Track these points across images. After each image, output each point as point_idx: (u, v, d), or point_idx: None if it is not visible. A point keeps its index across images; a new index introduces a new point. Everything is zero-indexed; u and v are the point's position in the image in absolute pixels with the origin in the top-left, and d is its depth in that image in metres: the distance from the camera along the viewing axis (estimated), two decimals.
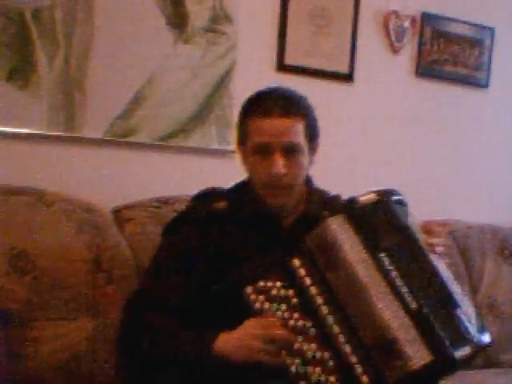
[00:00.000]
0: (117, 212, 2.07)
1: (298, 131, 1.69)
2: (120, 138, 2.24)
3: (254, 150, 1.70)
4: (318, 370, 1.53)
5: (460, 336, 1.54)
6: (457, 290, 1.63)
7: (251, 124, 1.70)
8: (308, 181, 1.85)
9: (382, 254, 1.57)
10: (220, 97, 2.40)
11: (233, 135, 2.42)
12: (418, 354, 1.48)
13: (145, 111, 2.26)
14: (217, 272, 1.69)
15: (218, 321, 1.63)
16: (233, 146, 2.42)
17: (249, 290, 1.60)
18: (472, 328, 1.57)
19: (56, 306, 1.82)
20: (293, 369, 1.54)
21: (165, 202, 2.12)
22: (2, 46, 2.02)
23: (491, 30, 3.04)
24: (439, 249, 1.65)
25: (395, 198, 1.68)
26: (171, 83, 2.31)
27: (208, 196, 1.81)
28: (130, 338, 1.72)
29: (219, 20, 2.37)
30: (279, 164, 1.66)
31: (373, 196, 1.64)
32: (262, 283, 1.60)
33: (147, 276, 1.78)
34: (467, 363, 1.65)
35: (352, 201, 1.64)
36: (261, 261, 1.66)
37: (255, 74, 2.46)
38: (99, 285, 1.89)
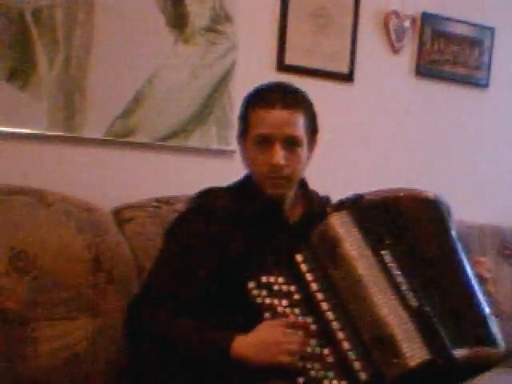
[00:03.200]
0: (117, 212, 2.07)
1: (298, 124, 1.71)
2: (120, 137, 2.23)
3: (255, 141, 1.72)
4: (316, 365, 1.54)
5: (466, 336, 1.55)
6: (481, 297, 1.65)
7: (253, 116, 1.72)
8: (304, 184, 1.87)
9: (385, 252, 1.57)
10: (220, 97, 2.40)
11: (233, 135, 2.42)
12: (415, 352, 1.49)
13: (145, 111, 2.26)
14: (221, 269, 1.69)
15: (223, 316, 1.64)
16: (233, 146, 2.42)
17: (251, 284, 1.62)
18: (484, 331, 1.59)
19: (56, 306, 1.82)
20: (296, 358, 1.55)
21: (165, 202, 2.12)
22: (2, 46, 2.02)
23: (491, 29, 3.04)
24: (488, 276, 1.72)
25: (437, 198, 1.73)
26: (171, 83, 2.31)
27: (209, 194, 1.81)
28: (139, 337, 1.72)
29: (219, 20, 2.37)
30: (279, 155, 1.68)
31: (396, 192, 1.67)
32: (264, 278, 1.62)
33: (152, 276, 1.77)
34: (496, 366, 1.64)
35: (357, 197, 1.65)
36: (264, 256, 1.67)
37: (255, 74, 2.45)
38: (99, 285, 1.88)
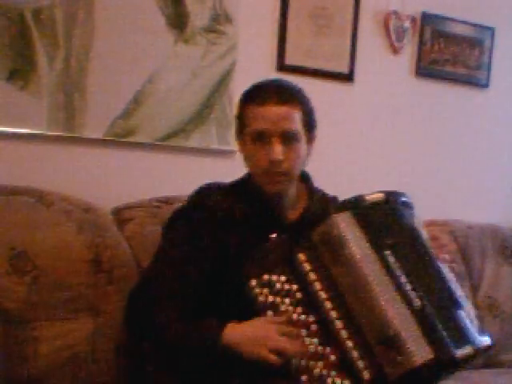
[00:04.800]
0: (117, 212, 2.07)
1: (295, 119, 1.71)
2: (120, 137, 2.23)
3: (252, 137, 1.72)
4: (319, 364, 1.54)
5: (462, 336, 1.55)
6: (460, 292, 1.65)
7: (249, 112, 1.72)
8: (308, 179, 1.86)
9: (387, 252, 1.58)
10: (220, 97, 2.40)
11: (233, 135, 2.43)
12: (419, 351, 1.49)
13: (145, 111, 2.26)
14: (221, 265, 1.70)
15: (222, 312, 1.64)
16: (233, 146, 2.42)
17: (253, 282, 1.62)
18: (473, 329, 1.58)
19: (56, 306, 1.82)
20: (294, 362, 1.55)
21: (165, 201, 2.12)
22: (2, 46, 2.02)
23: (491, 29, 3.04)
24: (446, 256, 1.68)
25: (402, 199, 1.70)
26: (171, 83, 2.31)
27: (209, 190, 1.82)
28: (137, 329, 1.74)
29: (219, 20, 2.37)
30: (277, 150, 1.68)
31: (380, 195, 1.66)
32: (266, 276, 1.62)
33: (152, 267, 1.78)
34: (467, 364, 1.66)
35: (358, 198, 1.65)
36: (264, 254, 1.66)
37: (255, 74, 2.44)
38: (99, 285, 1.88)
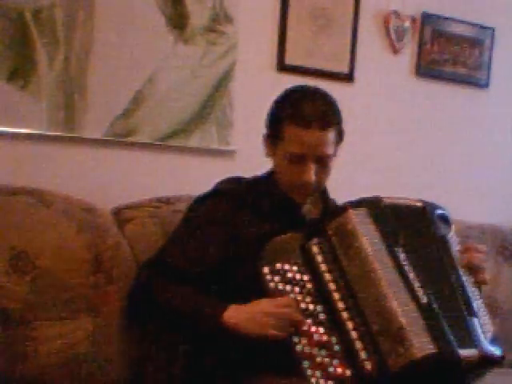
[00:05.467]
0: (117, 212, 2.07)
1: (331, 142, 1.75)
2: (120, 137, 2.24)
3: (288, 157, 1.74)
4: (323, 352, 1.57)
5: (468, 338, 1.58)
6: (478, 301, 1.69)
7: (289, 131, 1.72)
8: (324, 190, 1.91)
9: (398, 249, 1.62)
10: (220, 97, 2.40)
11: (233, 135, 2.43)
12: (422, 344, 1.51)
13: (145, 111, 2.26)
14: (236, 251, 1.73)
15: (232, 296, 1.67)
16: (233, 146, 2.42)
17: (266, 269, 1.65)
18: (483, 337, 1.62)
19: (56, 306, 1.82)
20: (298, 348, 1.57)
21: (165, 201, 2.12)
22: (2, 46, 2.02)
23: (491, 29, 3.04)
24: (483, 265, 1.74)
25: (439, 212, 1.76)
26: (171, 83, 2.31)
27: (234, 180, 1.86)
28: (143, 298, 1.77)
29: (219, 20, 2.37)
30: (311, 173, 1.72)
31: (419, 203, 1.73)
32: (279, 265, 1.65)
33: (167, 244, 1.81)
34: (475, 372, 1.67)
35: (376, 198, 1.69)
36: (281, 244, 1.69)
37: (255, 74, 2.46)
38: (99, 285, 1.88)
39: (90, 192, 2.08)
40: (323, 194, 1.90)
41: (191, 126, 2.35)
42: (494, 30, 3.04)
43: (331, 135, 1.74)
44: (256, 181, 1.87)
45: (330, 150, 1.74)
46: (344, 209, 1.65)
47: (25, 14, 2.04)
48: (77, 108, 2.15)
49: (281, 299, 1.62)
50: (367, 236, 1.62)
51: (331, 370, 1.55)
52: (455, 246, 1.74)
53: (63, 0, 2.10)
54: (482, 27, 3.01)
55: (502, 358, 1.67)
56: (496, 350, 1.64)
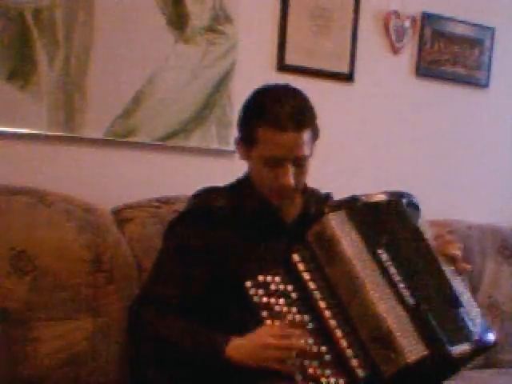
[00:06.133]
0: (117, 212, 2.07)
1: (307, 142, 1.69)
2: (120, 137, 2.23)
3: (264, 161, 1.69)
4: (314, 363, 1.55)
5: (458, 333, 1.56)
6: (463, 291, 1.67)
7: (262, 134, 1.67)
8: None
9: (381, 250, 1.59)
10: (220, 97, 2.40)
11: (233, 135, 2.42)
12: (413, 348, 1.50)
13: (145, 111, 2.26)
14: (219, 268, 1.70)
15: (220, 315, 1.66)
16: (233, 146, 2.42)
17: (248, 284, 1.62)
18: (474, 327, 1.59)
19: (56, 306, 1.82)
20: (289, 361, 1.55)
21: (165, 201, 2.12)
22: (2, 46, 2.02)
23: (491, 29, 3.04)
24: (455, 252, 1.69)
25: (407, 200, 1.71)
26: (171, 83, 2.30)
27: (207, 194, 1.81)
28: (139, 340, 1.74)
29: (219, 20, 2.37)
30: (290, 176, 1.67)
31: (382, 196, 1.68)
32: (261, 277, 1.62)
33: (151, 277, 1.78)
34: (468, 361, 1.66)
35: (353, 198, 1.66)
36: (262, 255, 1.68)
37: (255, 74, 2.45)
38: (99, 285, 1.88)
39: (90, 192, 2.08)
40: (302, 193, 1.85)
41: (191, 126, 2.35)
42: (494, 30, 3.04)
43: (307, 135, 1.68)
44: (232, 188, 1.82)
45: (306, 151, 1.68)
46: (322, 213, 1.62)
47: (25, 14, 2.04)
48: (77, 108, 2.15)
49: (279, 327, 1.58)
50: (348, 240, 1.59)
51: (324, 380, 1.53)
52: (428, 232, 1.70)
53: (63, 0, 2.10)
54: (482, 27, 3.01)
55: (495, 343, 1.66)
56: (487, 337, 1.62)
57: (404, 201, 1.70)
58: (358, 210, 1.63)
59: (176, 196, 2.13)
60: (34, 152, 2.11)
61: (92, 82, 2.16)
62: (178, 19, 2.30)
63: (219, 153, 2.42)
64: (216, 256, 1.71)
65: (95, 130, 2.19)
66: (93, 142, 2.19)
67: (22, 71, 2.06)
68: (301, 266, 1.61)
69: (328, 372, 1.54)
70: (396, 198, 1.69)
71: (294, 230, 1.72)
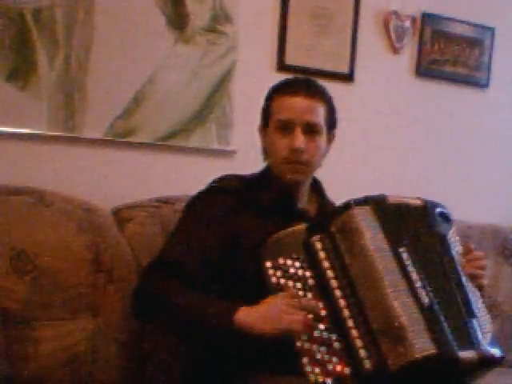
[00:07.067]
0: (117, 212, 2.07)
1: (319, 113, 1.78)
2: (120, 137, 2.23)
3: (277, 126, 1.78)
4: (322, 349, 1.56)
5: (468, 340, 1.58)
6: (480, 305, 1.69)
7: (276, 103, 1.79)
8: (319, 187, 1.92)
9: (402, 249, 1.62)
10: (220, 97, 2.40)
11: (233, 135, 2.43)
12: (421, 345, 1.51)
13: (145, 111, 2.26)
14: (237, 242, 1.73)
15: (235, 292, 1.66)
16: (233, 146, 2.42)
17: (268, 264, 1.65)
18: (484, 339, 1.62)
19: (56, 306, 1.82)
20: (298, 343, 1.56)
21: (165, 201, 2.12)
22: (2, 46, 2.02)
23: (491, 29, 3.04)
24: (477, 272, 1.74)
25: (440, 210, 1.76)
26: (171, 83, 2.31)
27: (227, 178, 1.87)
28: (148, 303, 1.72)
29: (219, 20, 2.37)
30: (300, 139, 1.74)
31: (418, 201, 1.73)
32: (281, 260, 1.65)
33: (168, 242, 1.80)
34: (473, 372, 1.67)
35: (382, 196, 1.69)
36: (282, 239, 1.69)
37: (255, 74, 2.46)
38: (99, 285, 1.89)
39: (90, 192, 2.08)
40: (319, 192, 1.90)
41: (191, 126, 2.35)
42: (494, 30, 3.04)
43: (317, 105, 1.77)
44: (251, 177, 1.87)
45: (316, 119, 1.76)
46: (348, 206, 1.65)
47: (25, 14, 2.04)
48: (77, 108, 2.15)
49: (286, 293, 1.60)
50: (371, 234, 1.61)
51: (330, 367, 1.54)
52: (456, 245, 1.74)
53: (63, 0, 2.10)
54: (482, 27, 3.01)
55: (502, 358, 1.68)
56: (496, 351, 1.64)
57: (437, 210, 1.74)
58: (385, 209, 1.66)
59: (176, 196, 2.13)
60: (34, 152, 2.11)
61: (92, 82, 2.16)
62: (177, 19, 2.30)
63: (219, 153, 2.42)
64: (234, 233, 1.73)
65: (95, 130, 2.19)
66: (93, 142, 2.19)
67: (22, 71, 2.06)
68: (322, 254, 1.63)
69: (335, 359, 1.55)
70: (428, 205, 1.74)
71: (315, 220, 1.75)
